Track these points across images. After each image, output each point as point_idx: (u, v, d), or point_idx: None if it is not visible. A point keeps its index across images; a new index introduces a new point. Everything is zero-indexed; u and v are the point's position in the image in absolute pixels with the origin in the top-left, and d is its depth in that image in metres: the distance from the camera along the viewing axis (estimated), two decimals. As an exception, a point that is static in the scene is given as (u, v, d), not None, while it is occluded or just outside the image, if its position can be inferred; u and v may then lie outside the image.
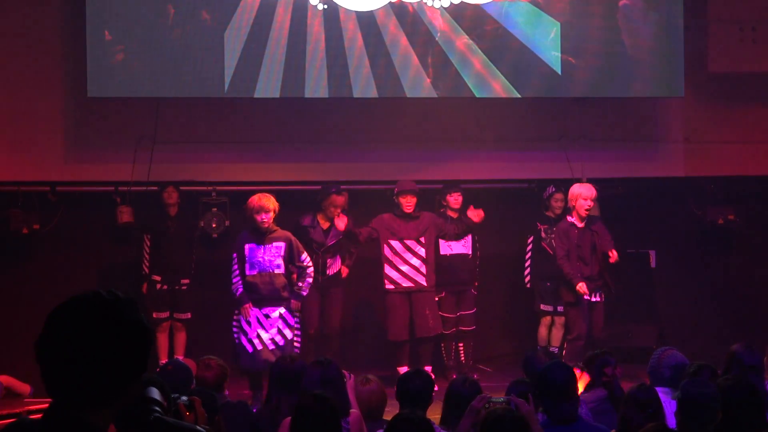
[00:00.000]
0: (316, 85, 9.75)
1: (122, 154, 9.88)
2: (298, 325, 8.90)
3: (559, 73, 10.05)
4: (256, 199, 8.69)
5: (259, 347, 8.58)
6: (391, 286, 9.46)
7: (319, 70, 9.73)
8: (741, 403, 4.60)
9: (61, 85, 9.98)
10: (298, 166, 10.32)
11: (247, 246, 8.70)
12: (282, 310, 8.69)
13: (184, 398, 2.55)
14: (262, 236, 8.69)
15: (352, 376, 5.73)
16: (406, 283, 9.45)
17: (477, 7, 9.93)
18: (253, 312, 8.64)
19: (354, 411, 5.39)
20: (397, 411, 5.48)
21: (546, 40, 10.03)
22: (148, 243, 9.70)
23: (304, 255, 8.80)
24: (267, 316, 8.64)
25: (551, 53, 10.03)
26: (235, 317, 8.76)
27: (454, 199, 9.77)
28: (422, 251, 9.49)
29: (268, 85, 9.69)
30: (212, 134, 10.16)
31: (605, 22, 10.14)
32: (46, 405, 2.13)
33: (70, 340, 2.04)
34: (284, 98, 9.83)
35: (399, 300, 9.45)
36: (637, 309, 10.89)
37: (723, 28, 10.41)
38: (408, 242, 9.48)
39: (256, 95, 9.73)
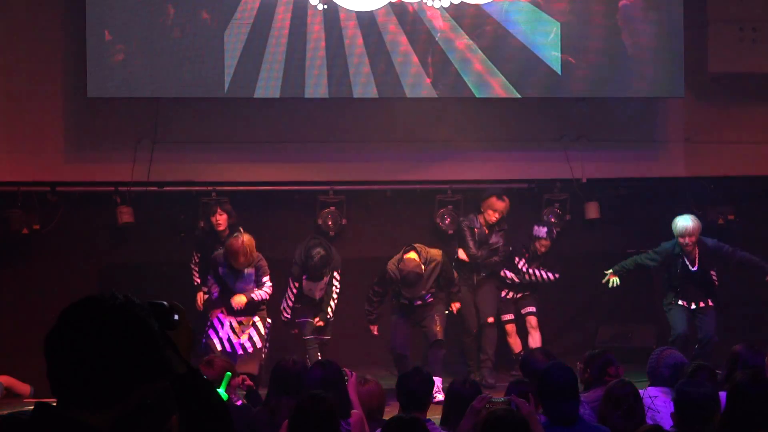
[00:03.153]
0: (316, 85, 9.75)
1: (122, 154, 9.87)
2: (268, 337, 9.00)
3: (559, 73, 10.04)
4: (238, 245, 8.77)
5: (228, 350, 8.71)
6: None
7: (319, 70, 9.72)
8: (752, 399, 4.57)
9: (61, 85, 9.96)
10: (298, 166, 10.31)
11: (221, 269, 8.93)
12: (256, 318, 8.90)
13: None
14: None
15: (353, 374, 5.71)
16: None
17: (477, 7, 9.93)
18: (227, 318, 8.82)
19: (356, 412, 5.37)
20: (398, 411, 5.48)
21: (546, 40, 10.02)
22: (198, 256, 9.67)
23: (266, 278, 9.00)
24: (240, 323, 8.82)
25: (551, 53, 10.02)
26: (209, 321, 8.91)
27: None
28: None
29: (268, 85, 9.68)
30: (212, 134, 10.14)
31: (605, 22, 10.13)
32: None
33: (80, 339, 2.04)
34: (284, 98, 9.83)
35: (404, 309, 9.29)
36: (637, 309, 10.89)
37: (723, 28, 10.40)
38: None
39: (256, 95, 9.72)
